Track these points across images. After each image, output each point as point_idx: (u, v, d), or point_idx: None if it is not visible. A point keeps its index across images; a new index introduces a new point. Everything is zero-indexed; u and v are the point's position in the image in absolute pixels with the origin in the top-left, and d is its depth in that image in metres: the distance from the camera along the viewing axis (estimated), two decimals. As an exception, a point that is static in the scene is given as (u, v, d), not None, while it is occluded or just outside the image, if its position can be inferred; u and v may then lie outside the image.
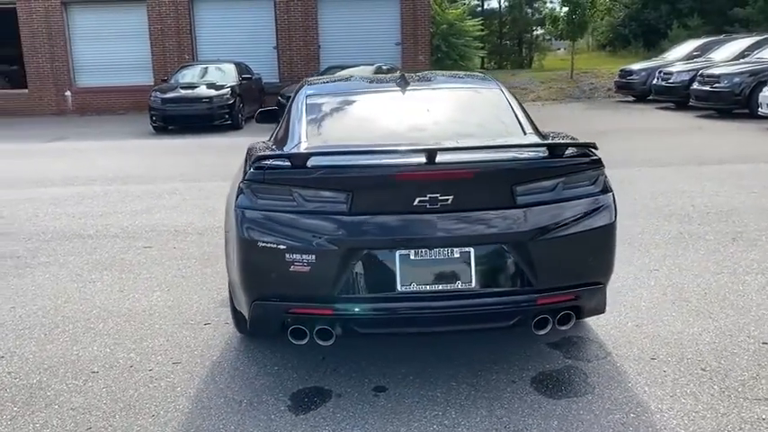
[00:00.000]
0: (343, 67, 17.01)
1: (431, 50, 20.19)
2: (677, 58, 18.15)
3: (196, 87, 15.01)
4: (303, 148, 3.38)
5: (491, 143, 3.27)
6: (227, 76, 15.83)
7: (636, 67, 18.83)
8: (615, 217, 3.17)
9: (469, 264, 2.96)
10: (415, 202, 2.90)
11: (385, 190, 2.95)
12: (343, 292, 2.95)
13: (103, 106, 19.82)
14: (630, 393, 3.20)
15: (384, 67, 17.02)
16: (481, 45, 24.10)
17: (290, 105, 3.92)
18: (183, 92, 14.78)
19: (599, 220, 3.09)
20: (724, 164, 8.98)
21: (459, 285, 2.97)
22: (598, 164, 3.15)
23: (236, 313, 3.60)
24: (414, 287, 2.95)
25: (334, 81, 4.35)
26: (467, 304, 2.99)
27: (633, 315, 4.10)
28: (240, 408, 3.17)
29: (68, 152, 12.20)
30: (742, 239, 5.57)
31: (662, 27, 32.36)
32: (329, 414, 3.09)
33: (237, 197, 3.12)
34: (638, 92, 18.10)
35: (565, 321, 3.14)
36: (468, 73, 4.56)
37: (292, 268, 2.94)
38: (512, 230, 2.96)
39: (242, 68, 16.51)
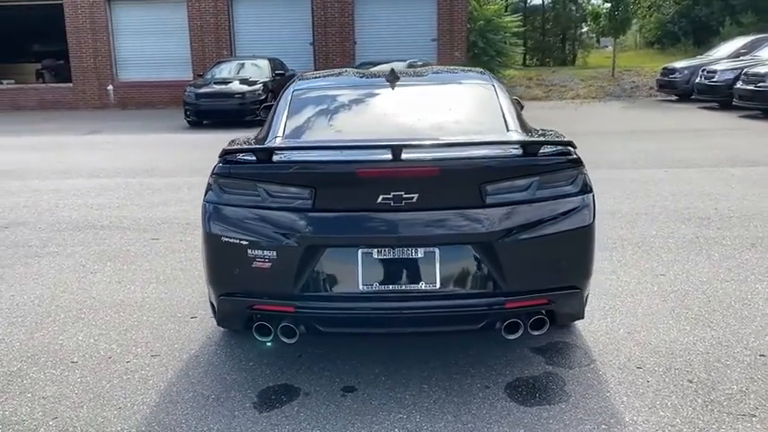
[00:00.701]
0: (375, 63, 16.90)
1: (467, 46, 19.97)
2: (723, 56, 17.51)
3: (229, 83, 15.19)
4: (278, 144, 3.35)
5: (461, 140, 3.16)
6: (260, 71, 15.96)
7: (679, 65, 18.26)
8: (593, 218, 3.03)
9: (434, 264, 2.87)
10: (379, 200, 2.83)
11: (348, 187, 2.89)
12: (304, 290, 2.91)
13: (144, 100, 20.23)
14: (607, 403, 3.07)
15: (418, 63, 16.87)
16: (520, 41, 23.69)
17: (278, 100, 3.89)
18: (217, 87, 14.95)
19: (574, 222, 2.96)
20: (758, 166, 8.61)
21: (422, 286, 2.89)
22: (576, 163, 3.02)
23: (213, 307, 3.59)
24: (376, 287, 2.88)
25: (326, 76, 4.29)
26: (430, 306, 2.90)
27: (627, 321, 3.94)
28: (206, 403, 3.16)
29: (101, 145, 12.48)
30: (761, 246, 5.31)
31: (714, 24, 31.37)
32: (293, 413, 3.05)
33: (206, 192, 3.11)
34: (681, 91, 17.52)
35: (538, 326, 3.03)
36: (466, 68, 4.44)
37: (254, 264, 2.90)
38: (479, 231, 2.86)
39: (276, 64, 16.63)
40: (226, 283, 3.05)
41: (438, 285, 2.88)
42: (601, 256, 5.09)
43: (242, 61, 17.02)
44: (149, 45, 20.19)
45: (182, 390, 3.28)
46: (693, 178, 7.94)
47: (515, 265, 2.89)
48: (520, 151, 2.96)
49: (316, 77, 4.25)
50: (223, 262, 3.02)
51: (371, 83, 4.07)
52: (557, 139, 3.16)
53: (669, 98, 18.40)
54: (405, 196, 2.82)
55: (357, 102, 3.80)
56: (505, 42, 20.86)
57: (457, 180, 2.88)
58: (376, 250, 2.87)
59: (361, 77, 4.19)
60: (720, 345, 3.61)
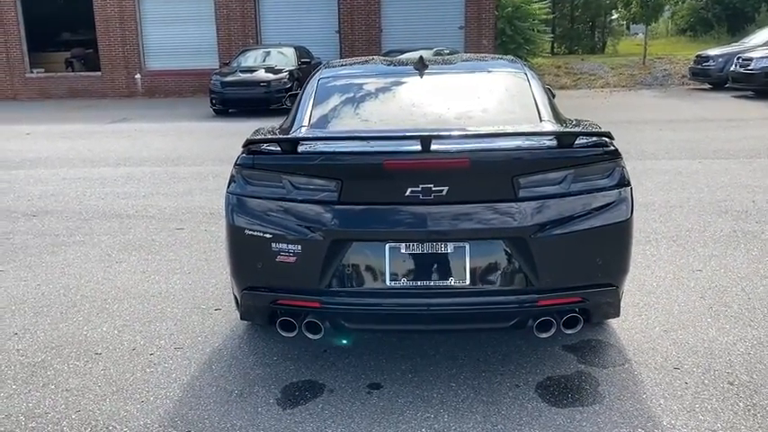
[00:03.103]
0: (402, 51, 16.76)
1: (495, 34, 19.68)
2: (759, 44, 17.00)
3: (255, 71, 15.13)
4: (303, 133, 3.26)
5: (492, 130, 3.04)
6: (286, 60, 15.89)
7: (713, 52, 17.78)
8: (631, 213, 2.89)
9: (464, 260, 2.77)
10: (408, 193, 2.73)
11: (375, 179, 2.79)
12: (330, 285, 2.82)
13: (171, 89, 20.30)
14: (643, 406, 2.95)
15: (445, 51, 16.71)
16: (548, 29, 23.29)
17: (304, 88, 3.80)
18: (243, 75, 14.91)
19: (611, 217, 2.83)
20: (798, 157, 8.33)
21: (452, 282, 2.78)
22: (613, 155, 2.88)
23: (236, 300, 3.53)
24: (404, 282, 2.78)
25: (352, 64, 4.18)
26: (460, 303, 2.80)
27: (663, 319, 3.80)
28: (230, 398, 3.10)
29: (128, 133, 12.52)
30: (803, 240, 5.11)
31: (749, 10, 30.58)
32: (317, 410, 2.98)
33: (230, 183, 3.03)
34: (715, 79, 17.07)
35: (572, 325, 2.91)
36: (496, 56, 4.30)
37: (279, 258, 2.83)
38: (511, 225, 2.75)
39: (301, 52, 16.54)
40: (249, 276, 2.98)
41: (468, 282, 2.78)
42: (635, 251, 4.87)
43: (268, 49, 16.95)
44: (176, 34, 20.22)
45: (205, 384, 3.23)
46: (730, 169, 7.69)
47: (549, 262, 2.77)
48: (554, 142, 2.83)
49: (342, 65, 4.14)
50: (246, 255, 2.95)
51: (399, 71, 3.95)
52: (593, 130, 3.03)
53: (702, 87, 17.94)
54: (434, 189, 2.72)
55: (384, 90, 3.69)
56: (534, 30, 20.49)
57: (488, 172, 2.77)
58: (404, 245, 2.77)
59: (388, 65, 4.08)
60: (762, 345, 3.46)
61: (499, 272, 2.82)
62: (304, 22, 19.76)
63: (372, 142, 2.92)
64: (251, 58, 16.38)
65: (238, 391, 3.16)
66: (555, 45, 32.20)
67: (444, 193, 2.72)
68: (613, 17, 36.14)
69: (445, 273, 2.78)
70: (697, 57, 18.23)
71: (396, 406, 2.99)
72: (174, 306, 4.18)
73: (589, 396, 3.04)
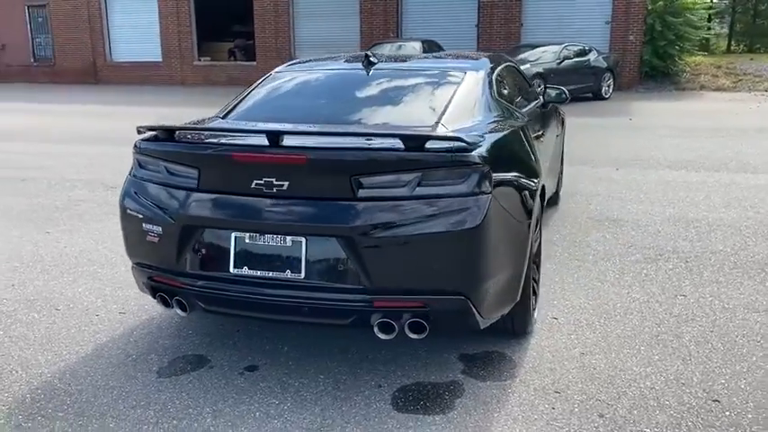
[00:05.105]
0: (533, 47, 16.37)
1: (644, 30, 18.38)
2: None
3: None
4: (215, 123, 3.48)
5: (338, 129, 3.04)
6: (413, 53, 16.13)
7: None
8: (482, 221, 2.73)
9: (300, 254, 2.82)
10: (253, 185, 2.84)
11: (226, 170, 2.92)
12: (187, 267, 3.02)
13: (316, 79, 21.39)
14: (486, 424, 2.81)
15: (573, 49, 16.03)
16: (707, 24, 21.26)
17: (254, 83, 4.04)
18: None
19: (457, 224, 2.72)
20: None
21: (288, 275, 2.85)
22: (467, 162, 2.75)
23: None
24: (245, 271, 2.90)
25: (312, 61, 4.30)
26: (296, 296, 2.86)
27: (591, 341, 3.53)
28: (124, 362, 3.40)
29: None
30: (844, 275, 4.41)
31: None
32: (183, 383, 3.18)
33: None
34: None
35: (417, 330, 2.85)
36: (460, 54, 4.18)
37: (147, 238, 3.08)
38: (345, 224, 2.75)
39: (429, 46, 16.69)
40: (133, 253, 3.26)
41: (303, 275, 2.83)
42: (632, 268, 4.59)
43: (399, 43, 17.34)
44: (324, 27, 21.29)
45: (114, 347, 3.57)
46: (829, 189, 6.71)
47: (382, 264, 2.74)
48: (400, 144, 2.78)
49: (304, 62, 4.31)
50: (129, 233, 3.24)
51: (347, 68, 4.03)
52: (445, 135, 2.91)
53: None
54: (275, 183, 2.80)
55: (312, 88, 3.81)
56: (687, 25, 18.72)
57: (326, 170, 2.79)
58: (248, 235, 2.89)
59: (344, 62, 4.16)
60: (678, 382, 3.11)
61: (334, 269, 2.83)
62: (443, 17, 19.91)
63: (230, 134, 3.07)
64: (381, 52, 16.84)
65: (136, 356, 3.46)
66: (732, 43, 29.23)
67: (285, 187, 2.80)
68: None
69: (283, 265, 2.86)
70: None
71: (253, 388, 3.12)
72: (149, 276, 4.60)
73: (439, 406, 2.95)
